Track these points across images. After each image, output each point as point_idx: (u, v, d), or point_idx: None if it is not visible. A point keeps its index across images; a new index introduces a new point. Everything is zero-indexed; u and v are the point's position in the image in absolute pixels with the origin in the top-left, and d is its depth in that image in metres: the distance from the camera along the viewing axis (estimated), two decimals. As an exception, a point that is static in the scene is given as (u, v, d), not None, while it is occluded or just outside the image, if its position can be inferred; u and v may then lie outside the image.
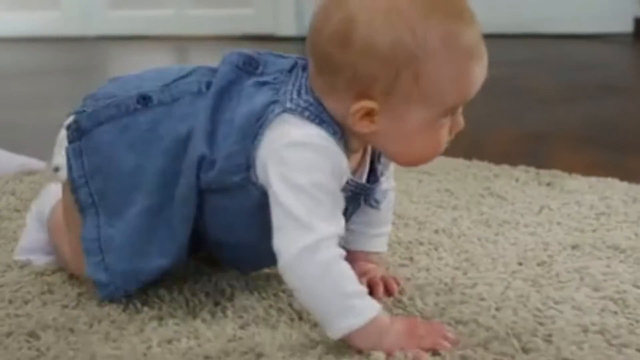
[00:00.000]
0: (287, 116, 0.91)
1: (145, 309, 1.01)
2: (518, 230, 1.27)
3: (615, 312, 0.97)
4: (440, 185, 1.51)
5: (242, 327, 0.96)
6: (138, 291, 1.03)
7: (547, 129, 2.08)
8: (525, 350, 0.88)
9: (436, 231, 1.27)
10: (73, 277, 1.11)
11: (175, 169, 0.96)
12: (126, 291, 1.01)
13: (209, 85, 0.98)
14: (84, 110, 1.02)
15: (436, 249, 1.19)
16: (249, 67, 0.97)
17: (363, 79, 0.87)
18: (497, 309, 0.99)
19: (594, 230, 1.26)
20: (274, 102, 0.92)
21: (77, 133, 1.01)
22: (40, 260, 1.15)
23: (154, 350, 0.92)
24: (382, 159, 1.02)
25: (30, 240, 1.16)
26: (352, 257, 1.04)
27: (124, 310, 1.01)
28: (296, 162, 0.89)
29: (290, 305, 1.01)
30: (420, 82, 0.87)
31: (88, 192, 1.00)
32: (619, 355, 0.87)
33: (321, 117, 0.91)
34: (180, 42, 4.40)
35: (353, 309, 0.88)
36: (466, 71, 0.89)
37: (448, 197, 1.44)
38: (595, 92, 2.61)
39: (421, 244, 1.21)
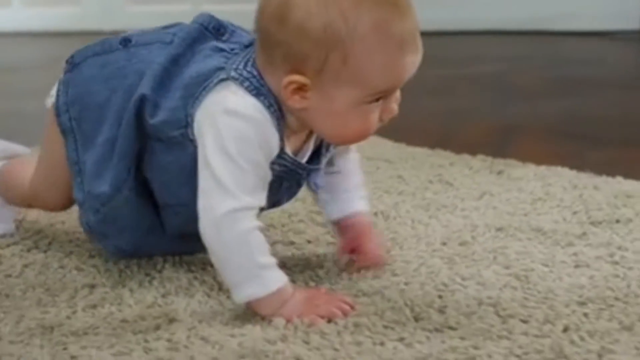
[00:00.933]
0: (228, 83, 0.97)
1: (79, 277, 1.09)
2: (453, 213, 1.33)
3: (515, 288, 1.03)
4: (394, 172, 1.57)
5: (163, 296, 1.04)
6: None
7: (522, 122, 2.13)
8: (416, 319, 0.95)
9: (375, 214, 1.33)
10: (23, 251, 1.19)
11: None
12: (90, 221, 1.08)
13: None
14: (74, 53, 1.11)
15: (369, 230, 1.25)
16: (215, 31, 1.04)
17: (296, 57, 0.94)
18: (406, 284, 1.05)
19: (525, 214, 1.31)
20: (221, 68, 0.99)
21: (70, 66, 1.10)
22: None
23: (77, 315, 0.99)
24: (332, 148, 1.08)
25: None
26: (344, 224, 1.12)
27: (60, 280, 1.09)
28: (229, 130, 0.95)
29: (214, 277, 1.08)
30: (348, 65, 0.93)
31: (68, 117, 1.08)
32: (502, 324, 0.93)
33: (260, 90, 0.97)
34: (196, 37, 4.51)
35: (261, 279, 0.95)
36: (395, 59, 0.94)
37: (398, 183, 1.50)
38: (584, 88, 2.64)
39: (356, 225, 1.27)
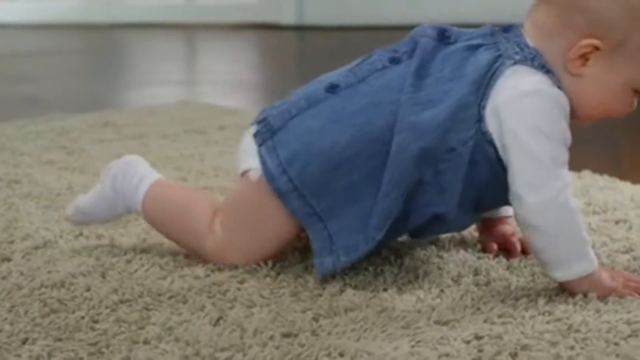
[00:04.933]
0: (518, 67, 0.99)
1: None
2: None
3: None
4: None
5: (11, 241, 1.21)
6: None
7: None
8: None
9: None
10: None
11: (375, 136, 1.01)
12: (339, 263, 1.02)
13: (392, 60, 1.04)
14: (264, 118, 1.07)
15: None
16: (442, 37, 1.04)
17: (602, 25, 0.96)
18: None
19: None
20: (500, 56, 1.00)
21: (268, 133, 1.05)
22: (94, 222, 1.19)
23: None
24: None
25: (92, 204, 1.16)
26: (491, 223, 1.16)
27: None
28: (535, 110, 0.97)
29: (60, 225, 1.25)
30: None
31: (287, 179, 1.03)
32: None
33: (546, 66, 0.99)
34: (190, 29, 4.71)
35: (587, 256, 0.98)
36: None
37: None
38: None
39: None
